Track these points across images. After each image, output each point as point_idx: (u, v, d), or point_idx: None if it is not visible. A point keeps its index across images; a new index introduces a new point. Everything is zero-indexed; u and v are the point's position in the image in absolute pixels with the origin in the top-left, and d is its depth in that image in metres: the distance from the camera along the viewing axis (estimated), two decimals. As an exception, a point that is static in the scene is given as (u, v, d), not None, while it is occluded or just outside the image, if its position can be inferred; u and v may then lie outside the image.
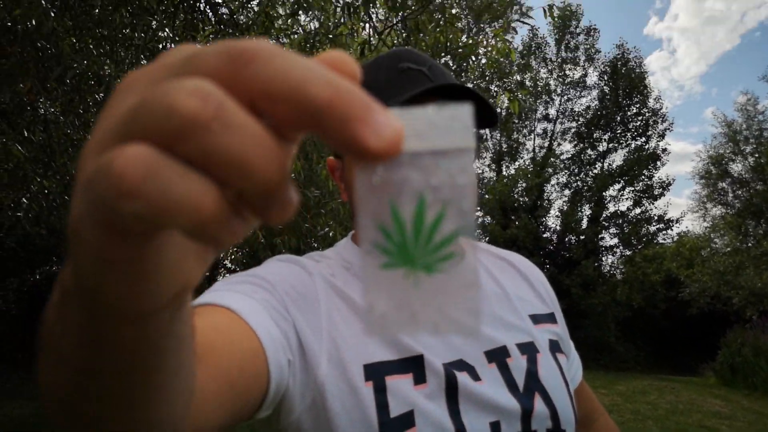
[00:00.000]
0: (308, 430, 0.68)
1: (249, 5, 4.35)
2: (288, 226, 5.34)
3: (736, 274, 15.71)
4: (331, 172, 0.93)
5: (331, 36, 4.63)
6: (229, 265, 17.54)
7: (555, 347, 0.86)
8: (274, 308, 0.69)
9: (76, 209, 0.22)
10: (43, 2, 2.88)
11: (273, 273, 0.76)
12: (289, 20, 4.41)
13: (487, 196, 20.64)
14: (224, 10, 4.08)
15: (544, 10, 3.32)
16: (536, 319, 0.88)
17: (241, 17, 4.59)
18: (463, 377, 0.73)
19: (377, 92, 0.78)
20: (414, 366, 0.72)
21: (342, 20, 4.29)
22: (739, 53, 46.39)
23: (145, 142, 0.19)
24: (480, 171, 24.64)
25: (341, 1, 3.83)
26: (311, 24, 6.75)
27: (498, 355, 0.78)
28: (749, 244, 17.23)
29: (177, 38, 4.01)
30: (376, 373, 0.70)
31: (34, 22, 2.83)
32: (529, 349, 0.81)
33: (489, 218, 20.81)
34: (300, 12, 3.83)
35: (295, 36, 4.80)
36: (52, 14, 2.99)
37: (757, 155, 18.53)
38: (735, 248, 17.26)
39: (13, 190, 3.90)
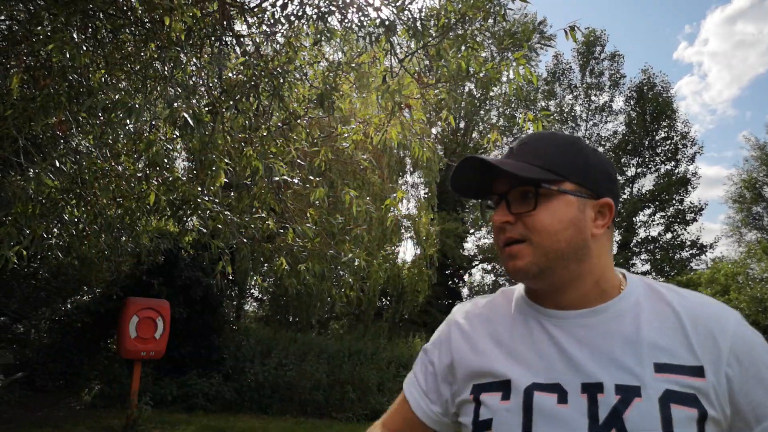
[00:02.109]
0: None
1: (274, 37, 4.45)
2: (312, 253, 5.35)
3: (776, 300, 15.12)
4: None
5: (353, 65, 4.70)
6: (256, 293, 17.62)
7: (674, 397, 0.86)
8: (430, 385, 1.10)
9: None
10: (75, 36, 2.99)
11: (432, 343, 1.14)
12: (314, 50, 4.49)
13: (513, 223, 20.39)
14: (248, 41, 4.18)
15: (566, 32, 3.30)
16: (662, 368, 0.88)
17: (267, 49, 4.70)
18: (544, 398, 0.90)
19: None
20: (504, 387, 0.95)
21: (365, 49, 4.35)
22: (773, 76, 45.47)
23: None
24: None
25: (363, 31, 3.89)
26: (335, 55, 6.88)
27: (592, 389, 0.88)
28: (788, 270, 16.62)
29: (204, 69, 4.11)
30: (478, 391, 0.98)
31: (68, 55, 2.93)
32: (627, 392, 0.86)
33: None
34: (322, 41, 3.90)
35: (320, 66, 4.89)
36: (84, 48, 3.09)
37: (792, 178, 18.04)
38: (773, 274, 16.67)
39: (46, 220, 3.99)
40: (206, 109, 3.86)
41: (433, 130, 22.93)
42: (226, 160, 3.67)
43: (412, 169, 16.95)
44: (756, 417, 0.88)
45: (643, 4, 54.56)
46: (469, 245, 24.22)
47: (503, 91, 22.54)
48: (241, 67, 3.72)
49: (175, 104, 2.94)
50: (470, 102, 23.75)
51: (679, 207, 20.89)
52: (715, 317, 0.95)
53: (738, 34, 49.79)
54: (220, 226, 4.11)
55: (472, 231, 23.43)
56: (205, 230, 4.18)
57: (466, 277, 24.82)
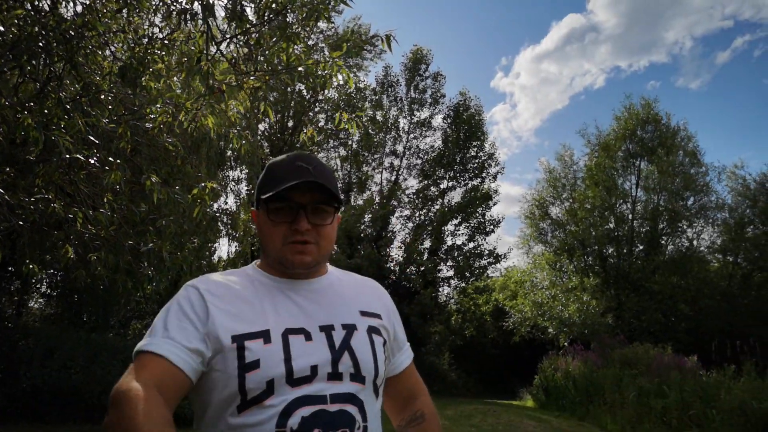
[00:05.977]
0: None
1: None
2: (106, 242, 4.84)
3: (551, 305, 17.41)
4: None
5: (166, 42, 4.35)
6: (43, 289, 15.55)
7: (374, 331, 1.36)
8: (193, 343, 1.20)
9: None
10: None
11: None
12: (120, 19, 4.07)
13: (333, 225, 20.72)
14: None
15: (382, 39, 3.41)
16: (364, 313, 1.38)
17: (65, 12, 4.15)
18: (295, 338, 1.23)
19: (277, 180, 1.28)
20: (264, 334, 1.21)
21: (178, 26, 4.05)
22: (568, 112, 52.23)
23: None
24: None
25: (177, 6, 3.62)
26: (150, 30, 6.34)
27: (327, 329, 1.28)
28: (563, 279, 19.27)
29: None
30: (240, 340, 1.19)
31: None
32: (349, 328, 1.31)
33: (335, 247, 20.93)
34: (130, 10, 3.54)
35: (129, 38, 4.45)
36: None
37: (570, 200, 20.93)
38: (551, 282, 19.17)
39: None
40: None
41: (261, 126, 22.43)
42: (-4, 127, 3.14)
43: (234, 163, 16.37)
44: (399, 343, 1.50)
45: (469, 32, 59.45)
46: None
47: (329, 94, 22.87)
48: (21, 22, 3.22)
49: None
50: (299, 102, 23.71)
51: (482, 219, 23.04)
52: (378, 288, 1.55)
53: (543, 72, 56.38)
54: (-15, 204, 3.51)
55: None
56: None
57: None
